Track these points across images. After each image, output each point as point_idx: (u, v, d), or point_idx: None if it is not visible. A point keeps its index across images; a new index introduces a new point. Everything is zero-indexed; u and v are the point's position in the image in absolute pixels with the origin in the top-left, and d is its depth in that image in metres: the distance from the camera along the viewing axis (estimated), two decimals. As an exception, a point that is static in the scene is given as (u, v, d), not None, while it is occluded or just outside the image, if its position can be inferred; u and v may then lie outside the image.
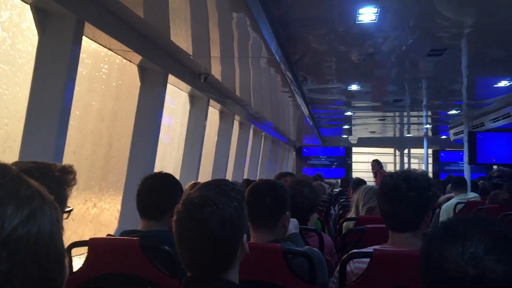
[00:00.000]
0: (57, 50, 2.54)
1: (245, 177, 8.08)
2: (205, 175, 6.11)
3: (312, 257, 2.04)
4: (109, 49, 3.37)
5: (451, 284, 0.95)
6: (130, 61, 3.79)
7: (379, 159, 10.47)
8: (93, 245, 2.01)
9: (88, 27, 2.71)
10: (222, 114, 6.82)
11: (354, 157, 15.72)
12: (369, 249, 2.02)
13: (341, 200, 6.33)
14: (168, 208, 2.22)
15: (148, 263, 2.08)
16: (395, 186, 1.98)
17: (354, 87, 6.57)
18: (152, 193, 2.22)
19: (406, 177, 1.99)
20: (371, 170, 10.36)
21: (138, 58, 3.71)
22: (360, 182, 6.15)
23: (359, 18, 3.53)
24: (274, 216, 2.13)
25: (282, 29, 3.92)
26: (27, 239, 0.57)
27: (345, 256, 2.08)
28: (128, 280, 2.05)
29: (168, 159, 5.56)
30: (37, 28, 2.52)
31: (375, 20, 3.56)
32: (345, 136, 14.13)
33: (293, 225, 2.54)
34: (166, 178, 2.32)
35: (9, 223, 0.56)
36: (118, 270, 2.04)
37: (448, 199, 5.94)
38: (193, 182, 3.76)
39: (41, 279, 0.59)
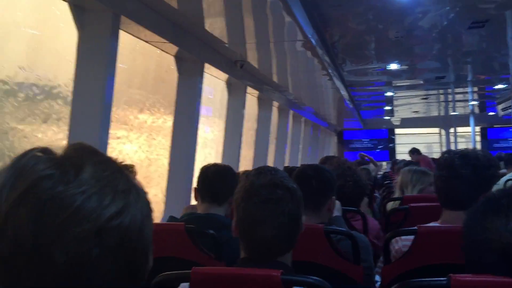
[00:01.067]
0: (96, 46, 2.62)
1: (286, 164, 8.08)
2: (246, 163, 6.15)
3: (356, 237, 2.03)
4: (146, 41, 3.43)
5: (495, 256, 0.94)
6: (166, 52, 3.85)
7: (417, 147, 9.86)
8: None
9: (124, 21, 2.77)
10: (260, 101, 6.83)
11: (398, 139, 15.38)
12: (414, 227, 2.00)
13: (386, 182, 6.25)
14: (229, 195, 2.35)
15: (194, 247, 2.14)
16: (450, 163, 1.95)
17: (394, 66, 6.42)
18: (218, 178, 2.38)
19: (463, 155, 1.96)
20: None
21: (174, 49, 3.76)
22: (408, 164, 6.03)
23: (399, -6, 3.44)
24: (320, 199, 2.14)
25: (315, 11, 3.87)
26: (119, 230, 0.61)
27: (388, 234, 2.07)
28: (174, 263, 2.11)
29: (209, 149, 5.62)
30: (75, 25, 2.61)
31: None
32: (387, 117, 13.85)
33: (335, 207, 2.52)
34: (229, 168, 2.53)
35: (106, 213, 0.60)
36: (165, 254, 2.10)
37: (502, 176, 5.74)
38: (244, 170, 3.83)
39: (127, 268, 0.62)
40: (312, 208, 2.11)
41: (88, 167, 0.62)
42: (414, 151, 9.42)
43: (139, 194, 0.66)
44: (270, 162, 7.31)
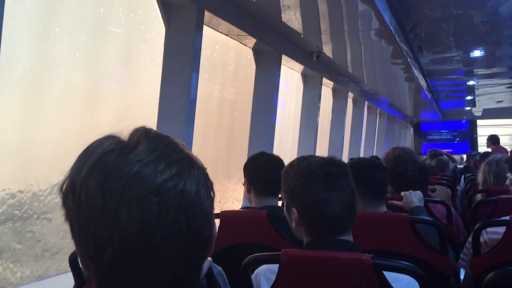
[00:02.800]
0: (182, 41, 2.74)
1: (361, 155, 7.96)
2: (321, 155, 6.11)
3: (441, 226, 1.99)
4: (226, 35, 3.53)
5: None
6: (245, 45, 3.93)
7: (496, 134, 9.14)
8: (225, 216, 2.15)
9: (207, 15, 2.87)
10: (335, 92, 6.77)
11: (480, 130, 14.59)
12: (505, 217, 1.92)
13: (468, 175, 5.99)
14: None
15: (275, 233, 2.18)
16: None
17: (477, 53, 6.11)
18: (270, 169, 2.27)
19: None
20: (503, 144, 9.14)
21: (252, 41, 3.83)
22: (486, 155, 5.75)
23: (482, -24, 3.29)
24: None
25: (395, -2, 3.78)
26: (175, 191, 0.68)
27: (478, 224, 2.00)
28: (257, 249, 2.17)
29: (285, 141, 5.66)
30: (163, 21, 2.74)
31: (500, -24, 3.29)
32: (468, 108, 13.19)
33: (417, 198, 2.47)
34: (273, 155, 2.44)
35: (160, 177, 0.67)
36: (248, 240, 2.17)
37: None
38: None
39: (188, 227, 0.68)
40: (376, 198, 2.10)
41: (144, 140, 0.70)
42: (490, 139, 8.79)
43: (193, 163, 0.72)
44: (345, 155, 7.24)
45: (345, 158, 6.16)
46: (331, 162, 1.44)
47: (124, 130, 0.74)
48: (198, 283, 0.73)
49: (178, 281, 0.69)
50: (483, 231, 2.05)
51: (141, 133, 0.72)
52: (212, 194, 0.74)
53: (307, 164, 1.45)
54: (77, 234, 0.70)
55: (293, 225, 1.46)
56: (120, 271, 0.67)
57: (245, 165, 2.39)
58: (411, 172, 2.60)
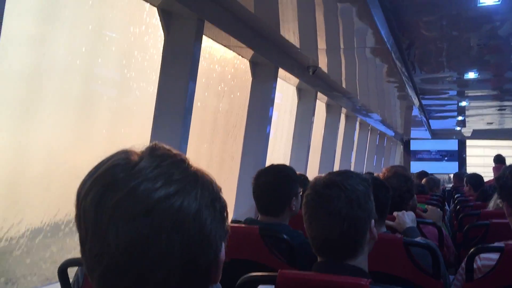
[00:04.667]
0: (181, 49, 2.72)
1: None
2: (311, 169, 6.12)
3: (436, 250, 1.97)
4: (224, 45, 3.52)
5: None
6: (242, 56, 3.92)
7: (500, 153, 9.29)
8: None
9: (206, 25, 2.86)
10: (328, 107, 6.78)
11: (468, 150, 14.73)
12: (500, 243, 1.91)
13: (456, 196, 6.01)
14: (287, 202, 2.24)
15: (266, 250, 2.15)
16: None
17: (470, 75, 6.17)
18: (269, 191, 2.20)
19: None
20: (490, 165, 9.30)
21: (250, 53, 3.82)
22: (477, 177, 5.79)
23: (481, 0, 3.32)
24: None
25: (394, 17, 3.80)
26: (169, 212, 0.64)
27: (472, 249, 1.98)
28: (249, 266, 2.13)
29: (277, 153, 5.64)
30: (163, 29, 2.72)
31: (498, 2, 3.33)
32: (458, 128, 13.31)
33: (409, 218, 2.47)
34: (280, 171, 2.27)
35: (155, 195, 0.64)
36: (238, 256, 2.13)
37: None
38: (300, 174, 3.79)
39: (182, 251, 0.65)
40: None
41: (147, 158, 0.68)
42: (495, 158, 8.83)
43: (197, 183, 0.68)
44: (336, 170, 7.24)
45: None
46: (331, 184, 1.37)
47: (142, 144, 0.72)
48: None
49: None
50: (476, 257, 2.03)
51: (148, 149, 0.70)
52: (222, 215, 0.70)
53: (317, 179, 1.42)
54: (80, 248, 0.68)
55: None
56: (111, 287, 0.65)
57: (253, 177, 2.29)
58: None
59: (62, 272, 1.48)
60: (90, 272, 0.66)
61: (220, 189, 0.73)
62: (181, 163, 0.69)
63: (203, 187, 0.69)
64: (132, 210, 0.63)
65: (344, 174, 1.42)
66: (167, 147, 0.72)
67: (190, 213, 0.65)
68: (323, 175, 1.43)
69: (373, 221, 1.41)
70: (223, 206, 0.71)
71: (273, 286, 1.31)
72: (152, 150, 0.70)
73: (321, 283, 1.27)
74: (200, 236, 0.66)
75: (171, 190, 0.65)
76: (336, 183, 1.36)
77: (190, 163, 0.71)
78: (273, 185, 2.21)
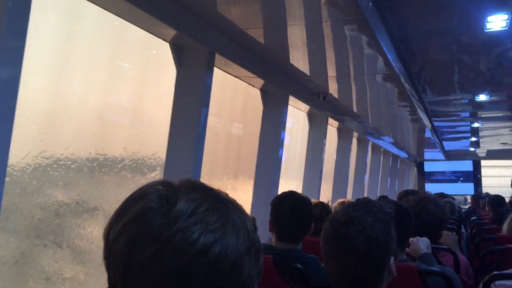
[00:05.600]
0: (193, 81, 2.79)
1: (365, 195, 7.92)
2: (324, 194, 6.11)
3: (451, 277, 1.96)
4: (235, 76, 3.59)
5: None
6: (253, 86, 3.98)
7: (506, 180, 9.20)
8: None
9: (217, 57, 2.93)
10: (340, 131, 6.80)
11: (483, 171, 14.55)
12: (514, 270, 1.90)
13: (473, 219, 5.92)
14: (308, 229, 2.28)
15: (280, 279, 2.16)
16: None
17: (482, 97, 6.16)
18: (293, 219, 2.22)
19: None
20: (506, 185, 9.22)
21: (260, 82, 3.89)
22: (498, 199, 5.71)
23: (488, 26, 3.36)
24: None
25: (402, 44, 3.85)
26: (203, 267, 0.61)
27: (486, 278, 1.97)
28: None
29: (290, 177, 5.65)
30: (175, 62, 2.80)
31: (506, 27, 3.37)
32: (472, 149, 13.20)
33: (424, 244, 2.46)
34: (302, 199, 2.31)
35: (190, 250, 0.60)
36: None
37: None
38: (342, 200, 3.77)
39: None
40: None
41: (182, 202, 0.63)
42: None
43: (236, 231, 0.64)
44: (349, 194, 7.20)
45: (349, 198, 6.13)
46: (349, 222, 1.35)
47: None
48: None
49: None
50: (492, 284, 2.02)
51: (183, 190, 0.66)
52: (257, 259, 0.66)
53: (336, 213, 1.41)
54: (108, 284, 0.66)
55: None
56: None
57: (272, 202, 2.31)
58: (428, 222, 2.60)
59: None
60: None
61: (255, 227, 0.69)
62: (219, 206, 0.65)
63: (239, 233, 0.64)
64: (166, 265, 0.60)
65: (365, 208, 1.39)
66: (203, 183, 0.69)
67: (226, 267, 0.62)
68: (340, 204, 1.44)
69: (392, 258, 1.40)
70: (258, 250, 0.67)
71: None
72: (187, 190, 0.66)
73: (335, 316, 1.28)
74: (237, 285, 0.63)
75: (208, 241, 0.61)
76: (355, 221, 1.34)
77: (227, 200, 0.68)
78: (297, 213, 2.23)
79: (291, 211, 2.22)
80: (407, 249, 2.38)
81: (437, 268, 2.17)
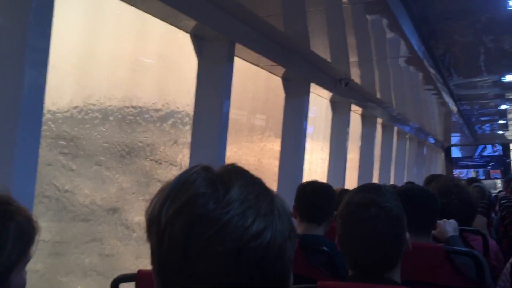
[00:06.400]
0: (214, 71, 2.82)
1: (392, 182, 7.84)
2: (350, 182, 6.08)
3: (479, 256, 1.95)
4: (256, 65, 3.60)
5: None
6: (274, 74, 3.98)
7: None
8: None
9: (238, 47, 2.95)
10: (364, 118, 6.74)
11: (513, 155, 14.19)
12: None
13: (503, 202, 5.82)
14: (328, 214, 2.38)
15: (307, 263, 2.18)
16: None
17: (508, 77, 6.03)
18: (318, 197, 2.36)
19: None
20: None
21: (281, 70, 3.89)
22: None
23: (511, 4, 3.29)
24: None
25: (424, 26, 3.79)
26: (257, 251, 0.66)
27: (515, 256, 1.95)
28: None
29: (315, 167, 5.64)
30: (196, 53, 2.83)
31: (530, 3, 3.29)
32: (500, 132, 12.91)
33: (451, 227, 2.43)
34: (325, 184, 2.50)
35: (246, 234, 0.65)
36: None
37: None
38: (340, 187, 3.80)
39: (262, 285, 0.67)
40: (419, 230, 2.06)
41: (235, 188, 0.68)
42: None
43: (281, 217, 0.69)
44: (375, 181, 7.15)
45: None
46: (371, 203, 1.38)
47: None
48: None
49: None
50: (519, 263, 2.00)
51: (233, 177, 0.70)
52: (296, 243, 0.72)
53: (350, 198, 1.44)
54: (155, 265, 0.70)
55: (339, 249, 1.47)
56: None
57: (296, 189, 2.47)
58: (454, 206, 2.56)
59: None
60: None
61: (291, 213, 0.74)
62: (266, 194, 0.70)
63: (284, 218, 0.70)
64: (224, 248, 0.64)
65: (376, 190, 1.44)
66: (245, 169, 0.74)
67: (274, 251, 0.67)
68: (356, 191, 1.46)
69: (407, 233, 1.43)
70: (296, 235, 0.73)
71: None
72: (237, 177, 0.70)
73: (362, 293, 1.30)
74: (281, 269, 0.68)
75: (261, 227, 0.66)
76: (374, 202, 1.38)
77: (270, 190, 0.72)
78: (320, 192, 2.40)
79: (312, 192, 2.37)
80: (433, 232, 2.36)
81: (464, 248, 2.15)
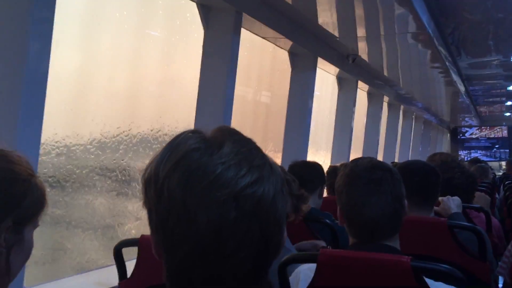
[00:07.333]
0: (220, 43, 2.79)
1: (396, 160, 7.84)
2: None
3: (482, 232, 1.95)
4: (263, 37, 3.56)
5: None
6: (281, 47, 3.95)
7: None
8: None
9: (245, 17, 2.91)
10: (370, 95, 6.70)
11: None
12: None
13: (507, 182, 5.82)
14: (318, 185, 2.58)
15: (309, 232, 2.21)
16: None
17: (519, 57, 5.95)
18: (305, 169, 2.56)
19: None
20: None
21: (288, 44, 3.85)
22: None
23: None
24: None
25: (434, 2, 3.73)
26: (252, 199, 0.69)
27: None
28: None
29: (319, 144, 5.63)
30: (202, 24, 2.80)
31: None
32: (508, 114, 12.82)
33: (455, 203, 2.43)
34: (316, 162, 2.76)
35: (241, 182, 0.68)
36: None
37: None
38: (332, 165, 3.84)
39: (261, 234, 0.70)
40: (421, 203, 2.07)
41: (228, 143, 0.71)
42: None
43: (273, 170, 0.72)
44: (379, 159, 7.14)
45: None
46: (378, 167, 1.42)
47: (206, 126, 0.75)
48: (266, 281, 0.74)
49: (245, 279, 0.71)
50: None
51: (226, 134, 0.73)
52: (287, 198, 0.75)
53: (353, 166, 1.45)
54: (154, 223, 0.72)
55: (339, 223, 1.49)
56: (191, 267, 0.69)
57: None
58: (458, 180, 2.56)
59: (118, 252, 1.56)
60: (169, 251, 0.70)
61: (285, 172, 0.78)
62: (257, 149, 0.74)
63: (276, 173, 0.73)
64: (222, 194, 0.67)
65: (374, 159, 1.51)
66: (237, 130, 0.76)
67: (268, 200, 0.70)
68: (353, 162, 1.49)
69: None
70: (287, 191, 0.76)
71: (315, 265, 1.34)
72: (230, 133, 0.73)
73: (363, 261, 1.30)
74: (274, 221, 0.71)
75: (254, 177, 0.69)
76: (380, 166, 1.42)
77: (261, 148, 0.76)
78: (309, 165, 2.67)
79: (304, 163, 2.72)
80: (436, 208, 2.36)
81: (467, 223, 2.16)
